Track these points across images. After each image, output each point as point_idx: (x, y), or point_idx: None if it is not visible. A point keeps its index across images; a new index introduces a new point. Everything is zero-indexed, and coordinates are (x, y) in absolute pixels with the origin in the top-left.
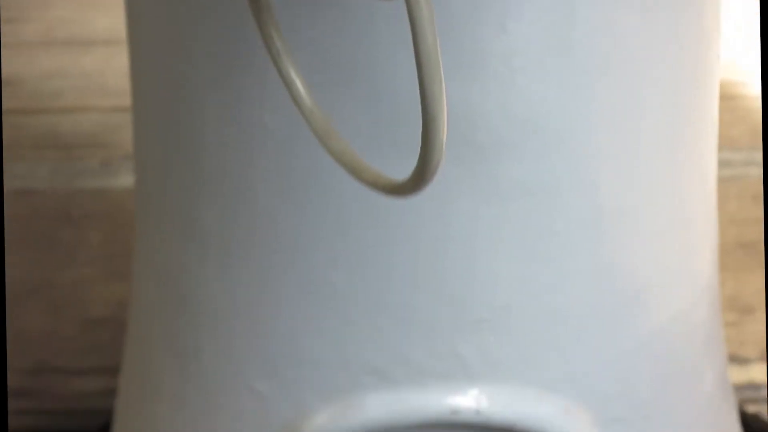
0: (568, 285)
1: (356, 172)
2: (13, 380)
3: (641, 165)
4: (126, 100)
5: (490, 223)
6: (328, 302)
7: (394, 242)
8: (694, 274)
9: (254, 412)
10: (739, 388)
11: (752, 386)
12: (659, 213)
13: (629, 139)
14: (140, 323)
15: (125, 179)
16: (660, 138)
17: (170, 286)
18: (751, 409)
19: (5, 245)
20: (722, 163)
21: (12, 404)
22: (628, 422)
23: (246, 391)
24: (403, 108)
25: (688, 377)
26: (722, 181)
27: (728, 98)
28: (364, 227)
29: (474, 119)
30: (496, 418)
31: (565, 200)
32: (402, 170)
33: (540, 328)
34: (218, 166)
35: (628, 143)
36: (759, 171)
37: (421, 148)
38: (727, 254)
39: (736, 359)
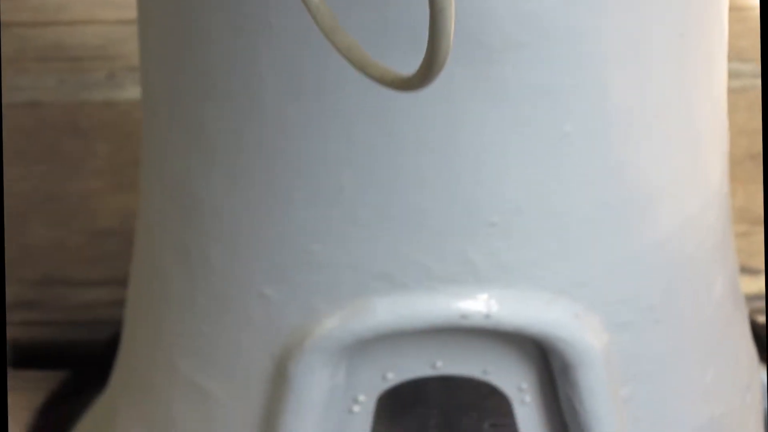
0: (578, 189)
1: (363, 68)
2: (20, 292)
3: (651, 70)
4: (131, 13)
5: (499, 125)
6: (336, 205)
7: (402, 145)
8: (704, 180)
9: (263, 318)
10: (750, 299)
11: (763, 297)
12: (669, 118)
13: (639, 44)
14: (148, 233)
15: (131, 91)
16: (670, 45)
17: (178, 193)
18: (761, 319)
19: (6, 159)
20: (732, 75)
21: (19, 315)
22: (638, 327)
23: (255, 296)
24: (411, 3)
25: (698, 283)
26: (732, 93)
27: (738, 9)
28: (372, 129)
29: (484, 20)
30: (505, 323)
31: (575, 103)
32: (410, 68)
33: (550, 233)
34: (224, 70)
35: (638, 48)
36: None
37: (429, 40)
38: (737, 165)
39: (746, 270)
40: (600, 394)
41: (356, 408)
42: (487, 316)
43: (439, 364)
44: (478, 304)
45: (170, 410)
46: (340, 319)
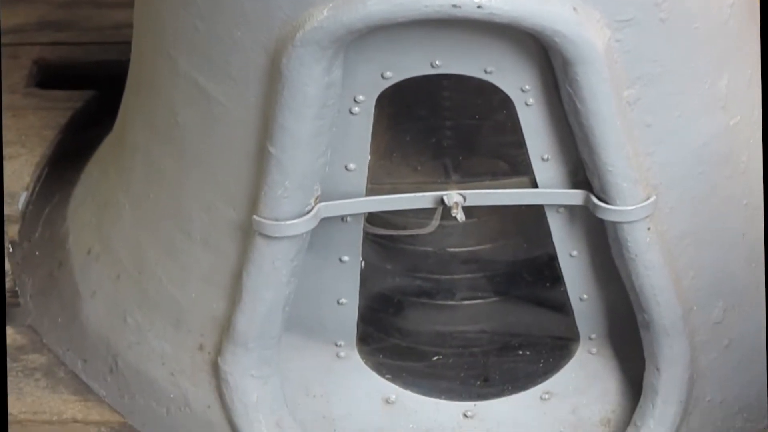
0: None
1: None
2: (48, 12)
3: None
4: None
5: None
6: None
7: None
8: None
9: (256, 12)
10: None
11: None
12: None
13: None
14: None
15: None
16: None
17: None
18: None
19: None
20: None
21: (47, 36)
22: (643, 24)
23: None
24: None
25: None
26: None
27: None
28: None
29: None
30: (499, 13)
31: None
32: None
33: None
34: None
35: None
36: None
37: None
38: None
39: None
40: (602, 92)
41: (356, 108)
42: (480, 6)
43: (438, 62)
44: None
45: (173, 110)
46: (330, 10)
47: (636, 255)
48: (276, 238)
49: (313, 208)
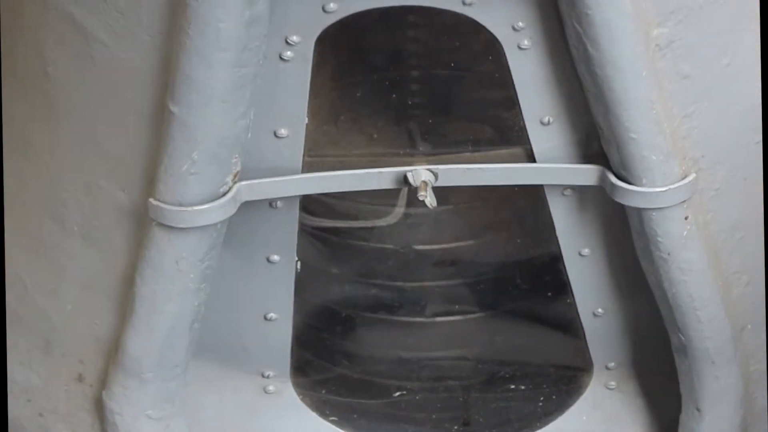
0: None
1: None
2: None
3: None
4: None
5: None
6: None
7: None
8: None
9: None
10: None
11: None
12: None
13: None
14: None
15: None
16: None
17: None
18: None
19: None
20: None
21: None
22: None
23: None
24: None
25: None
26: None
27: None
28: None
29: None
30: None
31: None
32: None
33: None
34: None
35: None
36: None
37: None
38: None
39: None
40: (622, 32)
41: (288, 53)
42: None
43: None
44: None
45: (42, 57)
46: None
47: (669, 254)
48: (180, 229)
49: (230, 188)
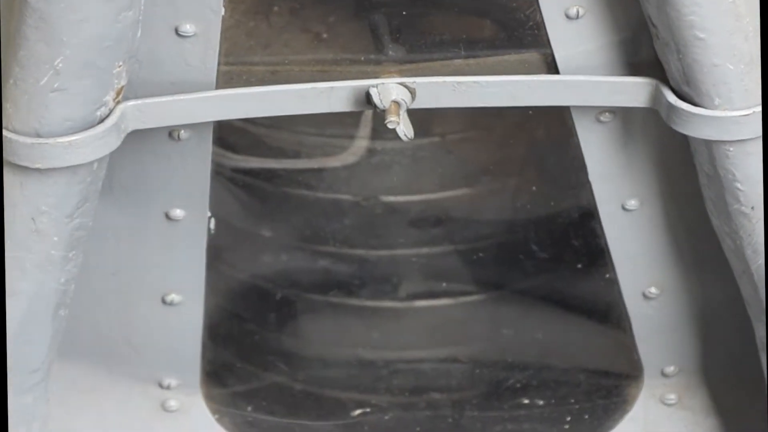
0: None
1: None
2: None
3: None
4: None
5: None
6: None
7: None
8: None
9: None
10: None
11: None
12: None
13: None
14: None
15: None
16: None
17: None
18: None
19: None
20: None
21: None
22: None
23: None
24: None
25: None
26: None
27: None
28: None
29: None
30: None
31: None
32: None
33: None
34: None
35: None
36: None
37: None
38: None
39: None
40: None
41: None
42: None
43: None
44: None
45: None
46: None
47: (753, 208)
48: (38, 171)
49: (111, 111)
